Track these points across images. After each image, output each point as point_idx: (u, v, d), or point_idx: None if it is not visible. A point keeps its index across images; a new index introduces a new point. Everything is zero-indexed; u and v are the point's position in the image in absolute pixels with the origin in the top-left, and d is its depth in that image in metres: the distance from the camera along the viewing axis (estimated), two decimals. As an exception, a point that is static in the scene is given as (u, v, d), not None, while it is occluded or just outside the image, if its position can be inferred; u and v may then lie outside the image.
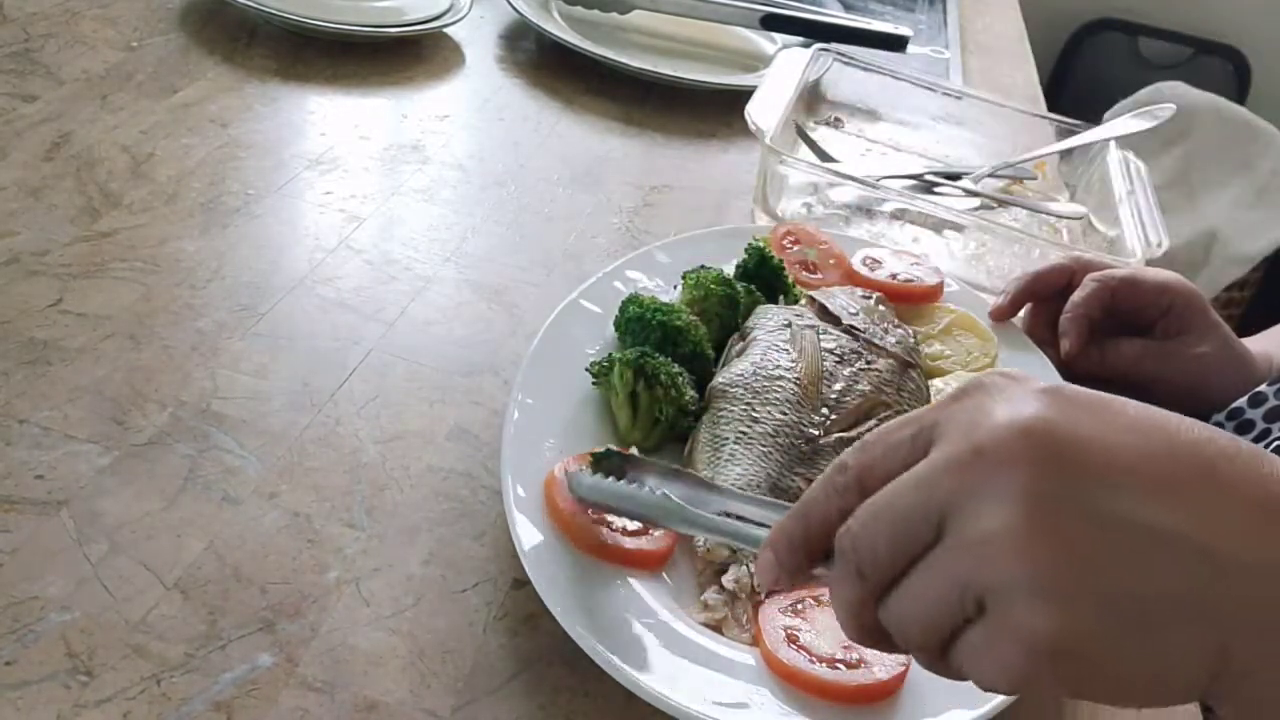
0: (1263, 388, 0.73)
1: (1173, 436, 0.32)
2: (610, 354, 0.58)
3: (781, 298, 0.69)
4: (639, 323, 0.60)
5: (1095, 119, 1.01)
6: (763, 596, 0.51)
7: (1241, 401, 0.73)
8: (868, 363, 0.62)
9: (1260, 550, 0.30)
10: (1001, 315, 0.74)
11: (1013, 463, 0.31)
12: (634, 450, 0.54)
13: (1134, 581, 0.30)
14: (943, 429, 0.34)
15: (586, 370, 0.58)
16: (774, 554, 0.39)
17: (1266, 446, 0.70)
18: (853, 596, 0.36)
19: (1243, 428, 0.73)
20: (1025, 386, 0.34)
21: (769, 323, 0.63)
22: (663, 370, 0.57)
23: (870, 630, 0.36)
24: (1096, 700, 0.32)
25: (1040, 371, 0.69)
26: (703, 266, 0.66)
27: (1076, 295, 0.72)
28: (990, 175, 0.96)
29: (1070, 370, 0.72)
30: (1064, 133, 1.01)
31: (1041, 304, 0.74)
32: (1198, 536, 0.30)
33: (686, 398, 0.58)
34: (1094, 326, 0.71)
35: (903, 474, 0.34)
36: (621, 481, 0.48)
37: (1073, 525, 0.30)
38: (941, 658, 0.34)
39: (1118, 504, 0.30)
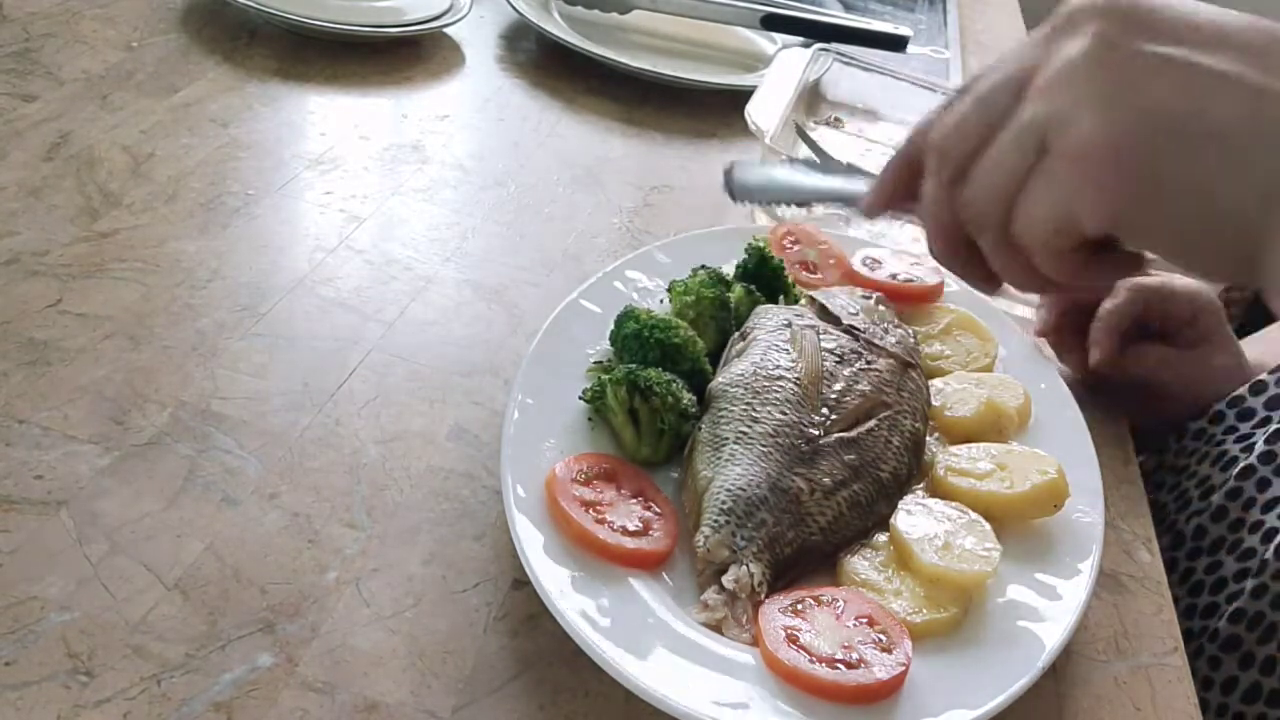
0: (1264, 375, 0.73)
1: (1245, 16, 0.34)
2: (598, 377, 0.58)
3: (781, 298, 0.69)
4: (636, 340, 0.60)
5: (1095, 119, 1.01)
6: (763, 597, 0.51)
7: (1243, 390, 0.73)
8: (868, 363, 0.62)
9: None
10: (1046, 333, 0.73)
11: (1088, 19, 0.34)
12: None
13: (1180, 103, 0.32)
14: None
15: (580, 398, 0.58)
16: (881, 175, 0.43)
17: (1267, 433, 0.70)
18: (935, 185, 0.39)
19: (1244, 415, 0.73)
20: None
21: (769, 323, 0.63)
22: (655, 380, 0.56)
23: (948, 230, 0.39)
24: (1143, 244, 0.35)
25: (1042, 375, 0.69)
26: (703, 266, 0.66)
27: (1110, 303, 0.71)
28: (990, 175, 0.96)
29: (1082, 372, 0.72)
30: (1064, 132, 1.01)
31: (1072, 306, 0.74)
32: (1255, 80, 0.32)
33: (685, 402, 0.57)
34: (1123, 335, 0.71)
35: None
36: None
37: (1130, 59, 0.33)
38: (1004, 232, 0.36)
39: (1177, 50, 0.33)
